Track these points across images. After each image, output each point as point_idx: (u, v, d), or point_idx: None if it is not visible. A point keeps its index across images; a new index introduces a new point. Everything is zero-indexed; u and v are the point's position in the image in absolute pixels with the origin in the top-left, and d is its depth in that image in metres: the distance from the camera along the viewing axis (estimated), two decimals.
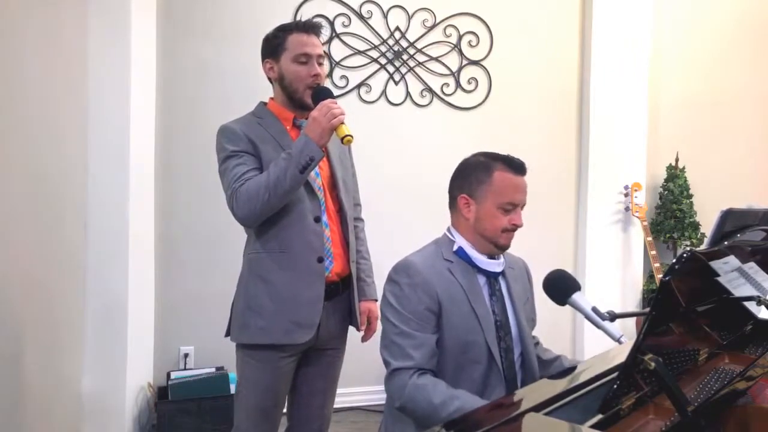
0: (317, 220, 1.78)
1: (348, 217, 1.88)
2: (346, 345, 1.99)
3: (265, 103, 1.88)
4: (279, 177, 1.64)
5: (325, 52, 3.29)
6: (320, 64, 1.81)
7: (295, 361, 1.82)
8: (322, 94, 1.75)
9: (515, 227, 1.54)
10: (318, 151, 1.67)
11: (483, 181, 1.54)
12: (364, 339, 2.01)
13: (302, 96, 1.79)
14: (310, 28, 1.81)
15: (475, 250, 1.56)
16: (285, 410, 1.92)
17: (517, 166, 1.55)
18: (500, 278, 1.60)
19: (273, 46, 1.81)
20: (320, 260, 1.77)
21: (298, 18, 3.28)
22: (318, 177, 1.81)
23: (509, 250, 1.64)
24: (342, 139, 1.68)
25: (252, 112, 1.86)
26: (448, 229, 1.62)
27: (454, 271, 1.53)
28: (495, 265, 1.57)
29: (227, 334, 1.83)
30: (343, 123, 1.68)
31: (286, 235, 1.74)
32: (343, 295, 1.87)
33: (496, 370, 1.50)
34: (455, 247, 1.57)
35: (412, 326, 1.46)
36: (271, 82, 1.87)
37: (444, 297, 1.49)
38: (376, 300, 2.00)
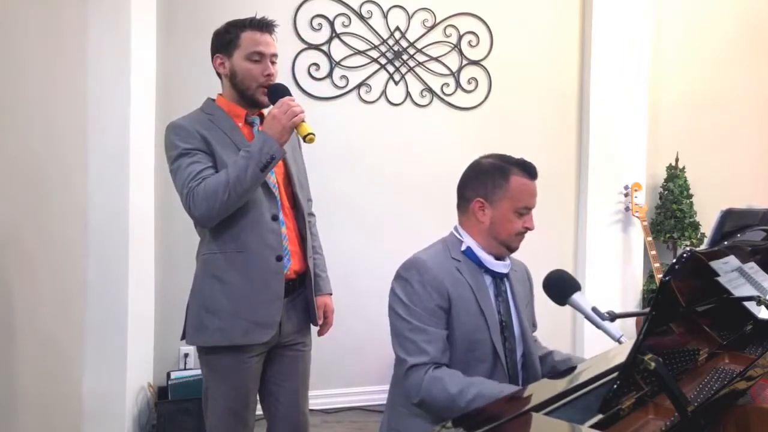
0: (275, 218, 1.75)
1: (304, 213, 1.86)
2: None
3: (213, 100, 1.84)
4: (239, 176, 1.61)
5: (324, 51, 3.35)
6: (273, 63, 1.78)
7: (261, 359, 1.79)
8: (279, 91, 1.72)
9: (527, 230, 1.57)
10: (279, 149, 1.64)
11: (500, 186, 1.55)
12: (320, 333, 2.00)
13: (254, 93, 1.76)
14: (264, 26, 1.77)
15: (483, 251, 1.57)
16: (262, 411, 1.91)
17: (531, 171, 1.57)
18: (505, 279, 1.61)
19: (225, 41, 1.77)
20: (279, 259, 1.74)
21: (297, 18, 3.29)
22: (272, 174, 1.78)
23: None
24: (304, 137, 1.66)
25: (200, 109, 1.81)
26: (456, 229, 1.63)
27: (462, 271, 1.54)
28: (501, 267, 1.59)
29: (183, 337, 1.79)
30: (303, 121, 1.66)
31: (243, 235, 1.71)
32: (300, 291, 1.85)
33: (500, 369, 1.52)
34: (463, 247, 1.58)
35: (424, 321, 1.47)
36: (220, 78, 1.83)
37: (454, 295, 1.50)
38: (331, 294, 2.02)
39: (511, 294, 1.61)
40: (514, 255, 1.71)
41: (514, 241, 1.57)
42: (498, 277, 1.59)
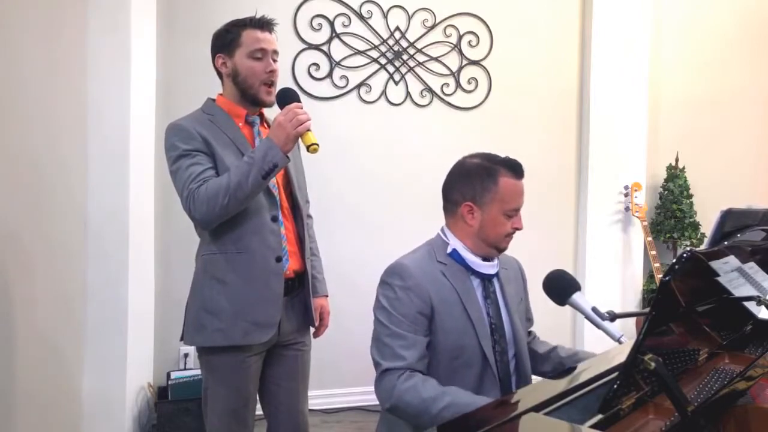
0: (274, 219, 1.76)
1: (302, 214, 1.86)
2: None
3: (213, 100, 1.84)
4: (240, 181, 1.60)
5: (324, 51, 3.34)
6: (274, 60, 1.77)
7: (260, 360, 1.79)
8: (288, 97, 1.70)
9: (515, 231, 1.54)
10: (282, 157, 1.63)
11: (488, 189, 1.51)
12: (316, 335, 2.00)
13: (257, 92, 1.76)
14: (265, 24, 1.77)
15: (470, 252, 1.54)
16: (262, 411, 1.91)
17: (518, 170, 1.53)
18: (494, 280, 1.58)
19: (226, 41, 1.77)
20: (278, 259, 1.74)
21: (297, 18, 3.28)
22: None
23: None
24: (308, 147, 1.63)
25: (201, 109, 1.81)
26: (442, 230, 1.60)
27: (448, 274, 1.51)
28: (489, 267, 1.56)
29: (182, 338, 1.79)
30: (309, 130, 1.63)
31: (243, 236, 1.71)
32: (299, 290, 1.86)
33: (490, 373, 1.49)
34: (449, 249, 1.55)
35: (403, 327, 1.44)
36: (220, 78, 1.83)
37: (437, 301, 1.47)
38: (327, 296, 2.03)
39: (501, 294, 1.58)
40: (510, 251, 1.70)
41: (503, 242, 1.54)
42: (486, 279, 1.56)
